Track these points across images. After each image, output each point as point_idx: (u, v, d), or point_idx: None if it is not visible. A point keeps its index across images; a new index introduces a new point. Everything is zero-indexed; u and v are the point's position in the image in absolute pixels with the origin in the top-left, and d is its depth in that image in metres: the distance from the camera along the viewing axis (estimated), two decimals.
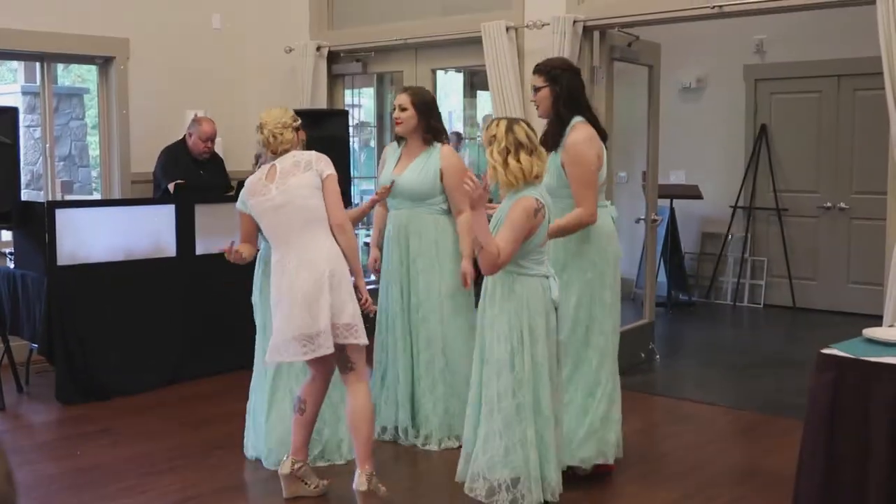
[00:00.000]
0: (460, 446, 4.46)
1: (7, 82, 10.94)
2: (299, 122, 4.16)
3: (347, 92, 7.94)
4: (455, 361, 4.75)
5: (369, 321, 4.13)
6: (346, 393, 4.00)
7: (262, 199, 3.98)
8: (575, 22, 5.84)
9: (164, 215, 6.17)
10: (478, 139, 10.50)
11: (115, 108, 7.21)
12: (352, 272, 3.98)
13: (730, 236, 9.12)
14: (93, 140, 10.38)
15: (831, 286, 8.68)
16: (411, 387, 4.85)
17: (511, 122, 3.64)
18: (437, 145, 4.81)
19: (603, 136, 4.31)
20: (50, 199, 6.91)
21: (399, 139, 4.94)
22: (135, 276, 5.99)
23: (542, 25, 5.99)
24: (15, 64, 10.21)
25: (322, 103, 7.26)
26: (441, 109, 5.11)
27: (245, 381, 4.79)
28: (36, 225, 5.73)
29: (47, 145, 7.11)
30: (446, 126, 5.21)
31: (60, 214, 5.71)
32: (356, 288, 3.95)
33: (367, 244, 6.28)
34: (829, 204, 8.66)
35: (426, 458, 4.71)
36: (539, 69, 4.30)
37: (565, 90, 4.20)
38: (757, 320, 8.70)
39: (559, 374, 3.74)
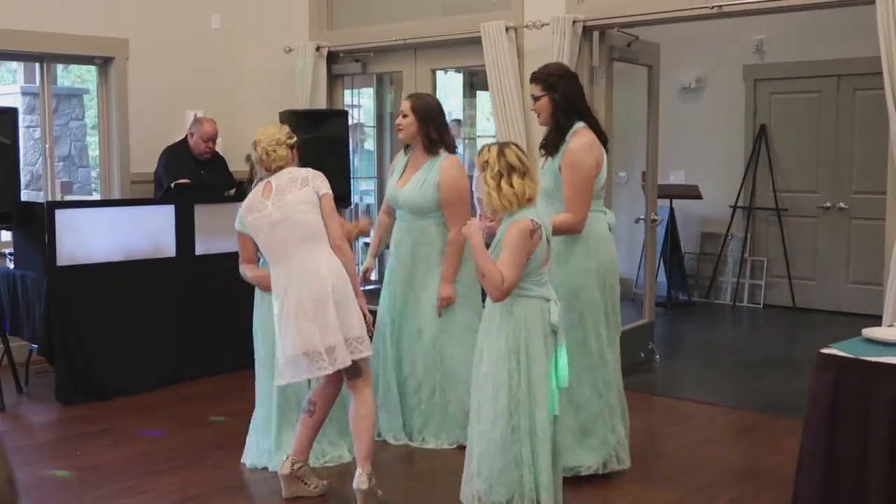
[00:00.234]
0: (459, 447, 4.49)
1: (6, 83, 10.94)
2: (294, 139, 4.14)
3: (347, 92, 7.94)
4: (453, 370, 4.74)
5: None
6: (352, 396, 4.01)
7: (258, 215, 3.97)
8: (574, 22, 5.84)
9: (164, 215, 6.17)
10: (476, 139, 10.50)
11: (114, 109, 7.20)
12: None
13: (729, 236, 9.12)
14: (92, 140, 10.38)
15: (831, 286, 8.69)
16: (405, 395, 4.85)
17: (502, 147, 3.63)
18: (441, 156, 4.71)
19: (604, 140, 4.30)
20: (49, 199, 6.91)
21: (407, 147, 4.91)
22: (135, 277, 5.99)
23: (542, 25, 5.99)
24: (14, 64, 10.21)
25: (321, 103, 7.26)
26: None
27: (245, 380, 4.79)
28: (35, 225, 5.73)
29: (47, 146, 7.11)
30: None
31: (60, 215, 5.71)
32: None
33: (366, 244, 6.29)
34: (828, 204, 8.67)
35: (426, 457, 4.71)
36: (536, 77, 4.28)
37: (563, 97, 4.19)
38: (756, 320, 8.71)
39: (557, 397, 3.71)
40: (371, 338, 4.06)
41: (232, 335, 6.28)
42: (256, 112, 7.77)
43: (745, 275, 9.11)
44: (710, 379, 6.50)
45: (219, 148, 6.98)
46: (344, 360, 3.85)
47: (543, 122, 4.30)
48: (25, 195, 7.50)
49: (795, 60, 8.60)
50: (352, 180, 7.58)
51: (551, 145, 4.20)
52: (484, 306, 3.77)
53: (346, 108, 7.63)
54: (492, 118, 6.42)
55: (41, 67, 7.08)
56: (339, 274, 3.91)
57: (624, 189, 9.08)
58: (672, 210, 8.93)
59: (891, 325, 4.16)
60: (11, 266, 6.11)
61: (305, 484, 4.14)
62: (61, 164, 10.28)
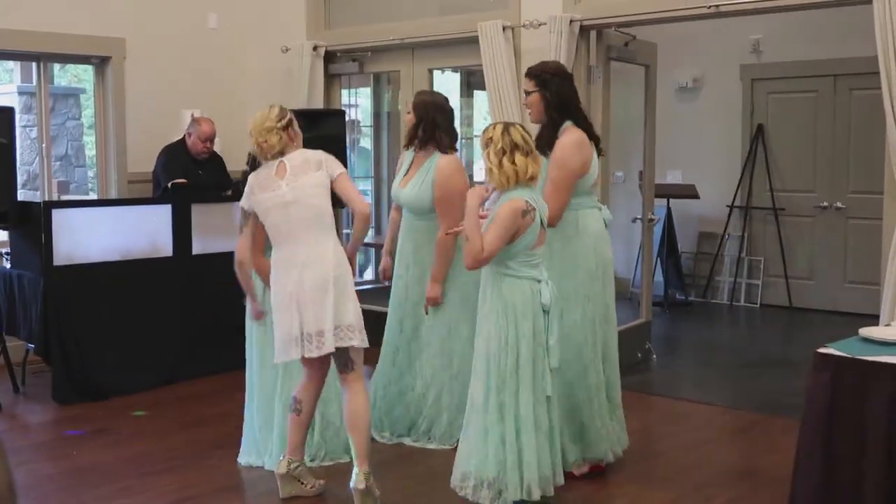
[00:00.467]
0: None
1: (3, 82, 10.91)
2: (286, 118, 4.02)
3: (344, 92, 7.94)
4: (464, 371, 4.72)
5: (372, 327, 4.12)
6: (345, 392, 4.00)
7: (271, 194, 3.94)
8: (572, 21, 5.84)
9: (161, 215, 6.17)
10: (474, 140, 10.49)
11: (111, 108, 7.20)
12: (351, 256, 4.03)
13: (726, 236, 9.13)
14: (89, 140, 10.36)
15: (828, 286, 8.69)
16: (413, 397, 4.85)
17: (507, 125, 3.70)
18: (438, 155, 4.69)
19: (595, 141, 4.32)
20: (46, 199, 6.91)
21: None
22: (131, 277, 5.98)
23: (539, 25, 5.99)
24: (11, 64, 10.19)
25: (319, 103, 7.26)
26: None
27: (241, 381, 4.78)
28: (32, 225, 5.72)
29: (44, 145, 7.11)
30: None
31: (57, 214, 5.70)
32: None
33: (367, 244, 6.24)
34: (825, 203, 8.67)
35: (426, 457, 4.71)
36: (530, 73, 4.32)
37: (555, 96, 4.22)
38: (754, 320, 8.71)
39: (549, 377, 3.72)
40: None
41: (229, 335, 6.26)
42: (254, 111, 7.66)
43: (742, 274, 9.11)
44: (707, 378, 6.50)
45: (216, 148, 6.97)
46: (330, 346, 3.83)
47: (534, 119, 4.34)
48: (22, 195, 7.48)
49: (792, 60, 8.61)
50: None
51: (545, 143, 4.22)
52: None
53: (343, 108, 7.62)
54: (489, 117, 6.41)
55: (38, 67, 7.07)
56: (341, 261, 3.93)
57: (621, 188, 9.08)
58: (669, 209, 8.93)
59: (888, 325, 4.17)
60: (8, 266, 6.10)
61: (302, 483, 4.14)
62: (58, 163, 10.26)
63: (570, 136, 4.19)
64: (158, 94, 7.32)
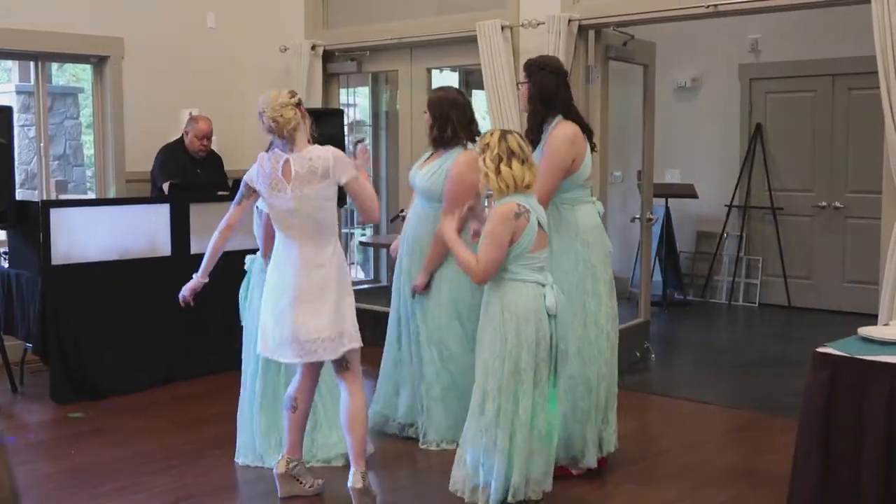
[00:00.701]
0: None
1: (1, 81, 10.89)
2: (297, 96, 3.97)
3: (342, 91, 7.93)
4: (457, 368, 4.72)
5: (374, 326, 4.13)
6: (342, 391, 3.99)
7: (278, 194, 3.89)
8: (570, 21, 5.84)
9: (159, 215, 6.16)
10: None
11: (109, 108, 7.19)
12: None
13: (725, 235, 9.13)
14: (87, 139, 10.35)
15: (826, 285, 8.69)
16: (414, 387, 4.84)
17: (504, 132, 3.72)
18: (458, 149, 4.68)
19: (588, 134, 4.35)
20: (44, 198, 6.90)
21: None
22: (129, 276, 5.97)
23: (538, 24, 5.98)
24: (9, 63, 10.17)
25: (317, 102, 7.25)
26: None
27: (239, 381, 4.77)
28: (30, 224, 5.71)
29: (42, 144, 7.10)
30: None
31: (55, 214, 5.70)
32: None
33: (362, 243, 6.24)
34: (824, 203, 8.67)
35: (424, 457, 4.71)
36: (525, 65, 4.43)
37: (536, 86, 4.29)
38: (752, 319, 8.71)
39: (553, 383, 3.71)
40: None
41: (227, 335, 6.27)
42: (252, 111, 7.66)
43: (741, 274, 9.11)
44: (705, 378, 6.50)
45: (214, 146, 6.97)
46: (332, 353, 3.85)
47: (522, 109, 4.47)
48: (20, 194, 7.47)
49: (791, 59, 8.61)
50: None
51: (533, 134, 4.28)
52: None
53: (341, 107, 7.62)
54: (487, 117, 6.41)
55: (36, 66, 7.07)
56: (340, 266, 3.92)
57: (619, 188, 9.08)
58: (668, 209, 8.93)
59: (886, 324, 4.17)
60: (6, 265, 6.09)
61: (301, 483, 4.14)
62: (56, 162, 10.25)
63: (563, 129, 4.24)
64: (157, 94, 7.32)
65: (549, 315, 3.63)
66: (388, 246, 8.48)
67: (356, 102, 9.36)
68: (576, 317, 4.18)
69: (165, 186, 6.50)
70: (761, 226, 9.04)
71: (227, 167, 7.14)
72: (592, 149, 4.38)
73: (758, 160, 8.92)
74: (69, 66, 10.47)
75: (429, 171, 4.73)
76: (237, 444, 4.65)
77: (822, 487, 3.13)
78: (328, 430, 4.55)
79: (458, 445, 3.81)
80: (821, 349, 3.23)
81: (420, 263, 4.77)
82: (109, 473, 4.48)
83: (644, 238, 7.11)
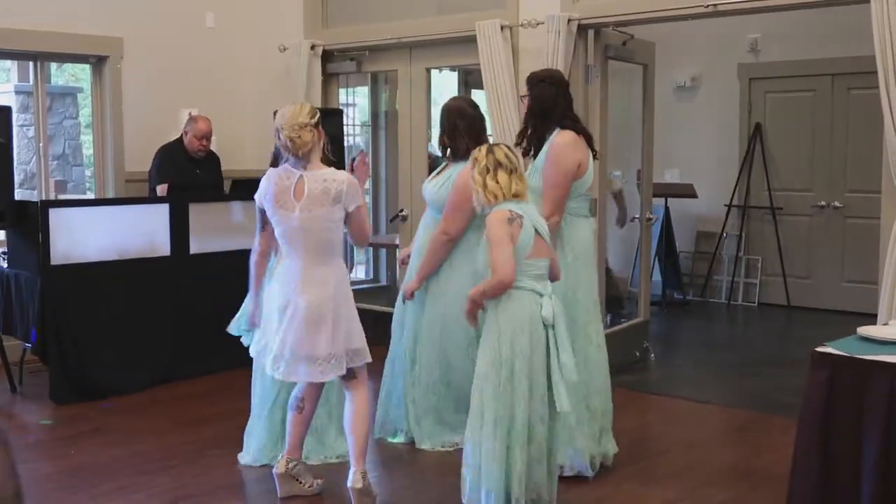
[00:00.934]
0: (457, 448, 4.49)
1: (0, 81, 10.90)
2: (317, 117, 3.95)
3: (342, 91, 7.93)
4: (453, 372, 4.71)
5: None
6: (347, 394, 4.00)
7: (283, 212, 3.86)
8: (569, 21, 5.84)
9: (159, 214, 6.16)
10: None
11: (108, 108, 7.19)
12: None
13: (724, 235, 9.13)
14: (86, 139, 10.35)
15: (826, 285, 8.70)
16: (407, 390, 4.84)
17: (491, 146, 3.77)
18: (463, 162, 4.60)
19: (588, 140, 4.34)
20: (43, 198, 6.90)
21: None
22: (129, 276, 5.97)
23: (537, 24, 5.98)
24: (8, 63, 10.17)
25: (316, 102, 7.24)
26: (434, 109, 5.03)
27: (238, 380, 4.78)
28: (29, 224, 5.71)
29: (41, 144, 7.10)
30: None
31: (54, 214, 5.69)
32: None
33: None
34: (823, 202, 8.68)
35: (422, 457, 4.70)
36: (528, 77, 4.45)
37: (536, 100, 4.32)
38: (752, 319, 8.72)
39: (560, 390, 3.70)
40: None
41: (226, 335, 6.27)
42: (251, 111, 7.77)
43: (740, 273, 9.11)
44: (705, 377, 6.50)
45: (214, 147, 6.97)
46: (340, 370, 3.86)
47: (524, 122, 4.45)
48: (19, 194, 7.47)
49: (790, 59, 8.61)
50: None
51: (527, 149, 4.32)
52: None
53: (340, 107, 7.62)
54: (486, 116, 6.40)
55: (35, 66, 7.06)
56: (343, 283, 3.92)
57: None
58: (667, 209, 8.93)
59: (885, 324, 4.17)
60: (5, 265, 6.09)
61: (300, 482, 4.14)
62: (55, 162, 10.25)
63: (562, 137, 4.25)
64: (156, 94, 7.31)
65: (545, 325, 3.63)
66: (387, 246, 8.52)
67: (355, 102, 9.35)
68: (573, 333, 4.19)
69: (159, 189, 6.51)
70: (761, 225, 9.05)
71: (226, 167, 7.14)
72: (594, 156, 4.39)
73: (757, 160, 8.93)
74: (68, 66, 10.47)
75: (437, 183, 4.74)
76: (245, 443, 4.63)
77: (821, 487, 3.13)
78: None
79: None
80: (820, 349, 3.23)
81: (440, 273, 4.75)
82: (109, 473, 4.47)
83: (643, 238, 7.12)
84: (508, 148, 3.76)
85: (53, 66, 9.91)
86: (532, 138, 4.33)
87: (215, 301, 6.25)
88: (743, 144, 9.02)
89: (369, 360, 3.96)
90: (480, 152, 3.74)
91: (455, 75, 9.24)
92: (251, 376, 4.70)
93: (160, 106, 7.33)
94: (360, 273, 9.12)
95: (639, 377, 6.30)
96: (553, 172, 4.18)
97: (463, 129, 4.66)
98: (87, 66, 7.44)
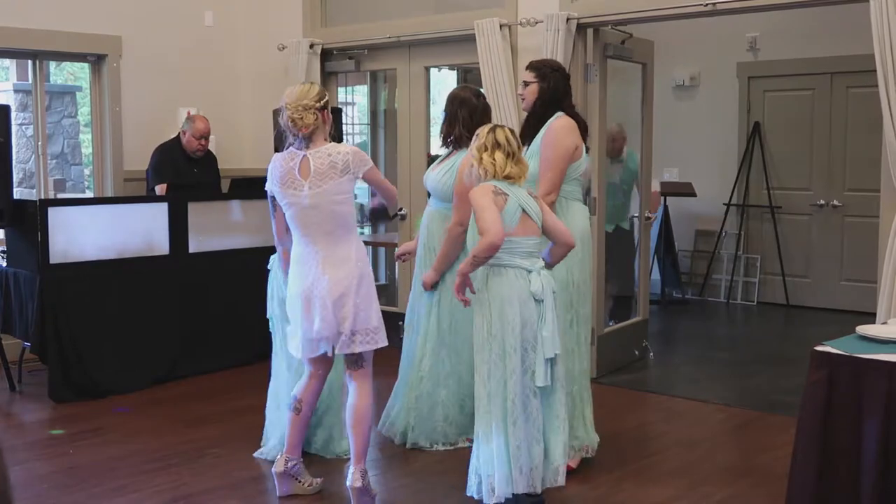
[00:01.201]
0: (458, 448, 4.50)
1: None
2: (325, 100, 3.93)
3: (341, 90, 7.92)
4: (463, 365, 4.71)
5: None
6: (351, 389, 3.98)
7: (292, 191, 3.85)
8: (568, 19, 5.84)
9: (157, 213, 6.16)
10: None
11: (107, 106, 7.18)
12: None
13: (723, 234, 9.13)
14: (85, 138, 10.34)
15: (825, 283, 8.70)
16: (413, 385, 4.83)
17: (495, 126, 3.83)
18: (465, 151, 4.60)
19: (584, 131, 4.42)
20: (42, 197, 6.90)
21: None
22: (128, 275, 5.97)
23: (536, 23, 5.98)
24: (7, 62, 10.17)
25: None
26: (433, 107, 5.03)
27: (238, 378, 4.78)
28: (28, 223, 5.71)
29: (39, 143, 7.09)
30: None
31: (53, 212, 5.69)
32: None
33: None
34: (822, 201, 8.68)
35: (423, 455, 4.70)
36: (533, 65, 4.48)
37: (551, 90, 4.37)
38: (750, 317, 8.72)
39: (543, 367, 3.70)
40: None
41: (225, 333, 6.28)
42: (249, 110, 7.76)
43: (739, 272, 9.12)
44: (704, 376, 6.50)
45: (212, 146, 6.97)
46: (350, 349, 3.85)
47: (525, 108, 4.47)
48: (18, 193, 7.48)
49: (789, 58, 8.61)
50: None
51: (526, 135, 4.35)
52: None
53: (340, 106, 7.61)
54: None
55: (34, 65, 7.06)
56: (364, 262, 3.92)
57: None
58: (666, 208, 8.93)
59: (884, 323, 4.17)
60: (4, 264, 6.08)
61: (299, 482, 4.14)
62: (54, 161, 10.24)
63: (560, 121, 4.32)
64: (155, 92, 7.31)
65: (535, 300, 3.64)
66: (386, 245, 8.51)
67: (355, 101, 9.35)
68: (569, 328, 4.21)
69: (158, 189, 6.50)
70: (760, 224, 9.05)
71: (224, 165, 7.15)
72: (586, 150, 4.42)
73: (756, 159, 8.93)
74: (67, 65, 10.47)
75: (440, 172, 4.75)
76: (265, 438, 4.65)
77: (820, 485, 3.13)
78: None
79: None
80: (819, 347, 3.23)
81: (433, 261, 4.76)
82: (107, 472, 4.47)
83: (643, 237, 7.11)
84: (512, 132, 3.80)
85: (52, 64, 9.90)
86: (534, 124, 4.37)
87: (214, 300, 6.27)
88: (742, 143, 9.02)
89: (385, 342, 3.94)
90: (483, 130, 3.81)
91: (454, 74, 9.24)
92: (250, 375, 4.70)
93: (159, 104, 7.32)
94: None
95: (638, 376, 6.30)
96: (551, 153, 4.23)
97: (464, 118, 4.68)
98: (85, 65, 7.44)
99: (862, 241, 8.00)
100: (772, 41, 8.70)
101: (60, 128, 10.60)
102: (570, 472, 4.25)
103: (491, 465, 3.63)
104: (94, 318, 5.78)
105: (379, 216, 9.16)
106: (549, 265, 3.81)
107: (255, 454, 4.64)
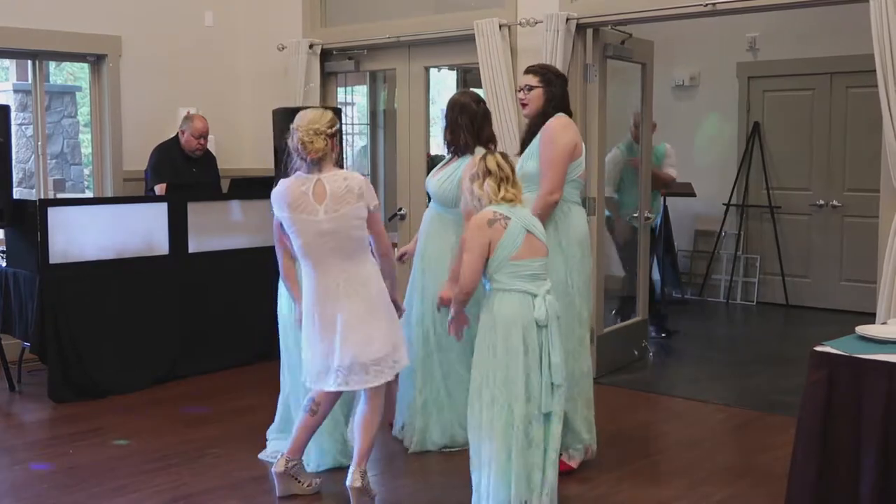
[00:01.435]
0: (459, 450, 4.50)
1: None
2: (335, 128, 3.93)
3: (340, 90, 7.93)
4: (455, 371, 4.71)
5: None
6: (364, 394, 3.97)
7: (305, 216, 3.81)
8: (568, 19, 5.84)
9: (157, 213, 6.15)
10: None
11: (107, 106, 7.18)
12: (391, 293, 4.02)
13: (723, 234, 9.13)
14: (85, 138, 10.35)
15: (824, 283, 8.70)
16: (415, 389, 4.82)
17: (486, 154, 3.81)
18: (470, 156, 4.61)
19: None
20: (42, 197, 6.90)
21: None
22: (127, 274, 5.97)
23: (535, 23, 5.98)
24: (6, 62, 10.17)
25: (315, 101, 7.24)
26: (432, 107, 5.02)
27: (238, 379, 4.78)
28: (28, 223, 5.71)
29: (39, 143, 7.09)
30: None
31: (52, 213, 5.69)
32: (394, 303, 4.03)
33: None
34: (821, 201, 8.68)
35: (422, 456, 4.70)
36: (535, 70, 4.45)
37: (557, 95, 4.37)
38: (750, 318, 8.72)
39: (549, 393, 3.69)
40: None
41: (225, 334, 6.29)
42: (249, 110, 7.76)
43: (739, 272, 9.12)
44: (703, 376, 6.50)
45: (211, 146, 6.96)
46: (389, 375, 3.89)
47: (529, 113, 4.42)
48: (18, 193, 7.48)
49: (789, 58, 8.61)
50: None
51: (527, 141, 4.36)
52: None
53: (339, 106, 7.61)
54: None
55: (33, 65, 7.05)
56: (381, 284, 3.93)
57: None
58: (665, 207, 8.91)
59: (884, 323, 4.17)
60: (4, 264, 6.08)
61: (299, 482, 4.14)
62: (54, 161, 10.24)
63: (558, 120, 4.32)
64: (154, 92, 7.31)
65: (538, 325, 3.62)
66: None
67: (354, 101, 9.35)
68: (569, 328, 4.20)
69: (158, 189, 6.50)
70: (759, 224, 9.05)
71: (224, 166, 7.15)
72: None
73: (756, 159, 8.93)
74: (67, 65, 10.47)
75: (441, 178, 4.74)
76: (273, 438, 4.65)
77: (820, 485, 3.13)
78: None
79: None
80: (819, 348, 3.23)
81: (430, 263, 4.74)
82: (107, 472, 4.47)
83: (642, 237, 7.11)
84: (504, 156, 3.78)
85: (52, 64, 9.90)
86: (535, 130, 4.35)
87: (214, 300, 6.27)
88: (741, 143, 9.02)
89: (408, 362, 3.98)
90: (475, 159, 3.82)
91: (454, 74, 9.24)
92: (250, 375, 4.70)
93: (158, 104, 7.32)
94: None
95: (637, 376, 6.29)
96: (551, 151, 4.22)
97: (465, 124, 4.69)
98: (85, 65, 7.43)
99: (861, 241, 8.00)
100: (772, 41, 8.70)
101: (60, 128, 10.60)
102: (571, 472, 4.27)
103: (488, 490, 3.62)
104: (93, 318, 5.78)
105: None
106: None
107: (260, 455, 4.64)
